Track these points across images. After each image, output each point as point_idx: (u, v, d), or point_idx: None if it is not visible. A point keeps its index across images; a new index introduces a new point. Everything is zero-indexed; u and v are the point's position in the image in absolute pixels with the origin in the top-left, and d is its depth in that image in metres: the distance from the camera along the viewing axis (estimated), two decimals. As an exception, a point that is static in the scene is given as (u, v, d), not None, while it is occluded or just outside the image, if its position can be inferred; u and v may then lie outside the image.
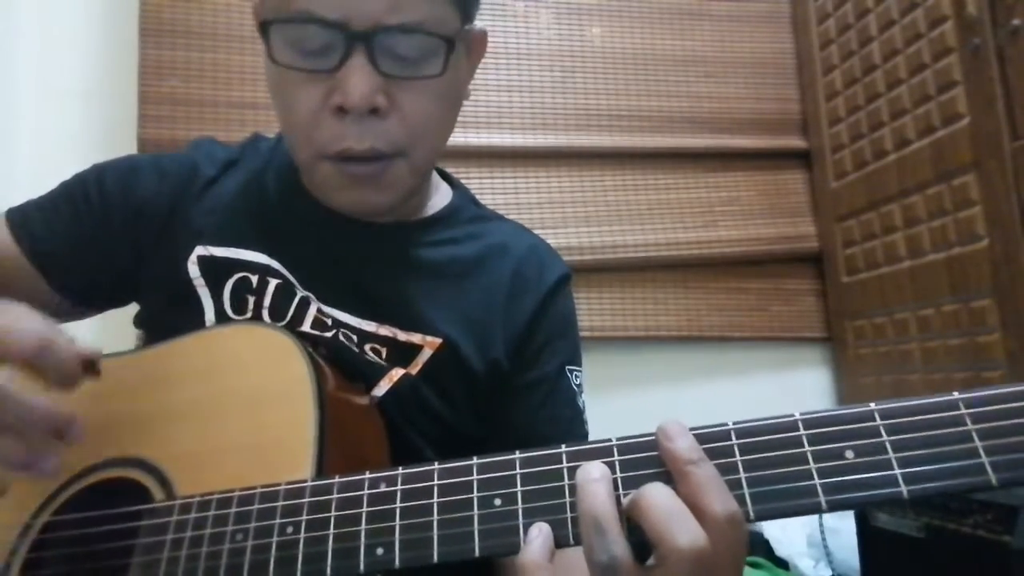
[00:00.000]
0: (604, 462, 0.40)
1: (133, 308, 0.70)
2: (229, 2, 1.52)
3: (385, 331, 0.64)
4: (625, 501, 0.38)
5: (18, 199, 0.68)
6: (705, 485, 0.37)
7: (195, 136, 0.74)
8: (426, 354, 0.64)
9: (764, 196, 1.74)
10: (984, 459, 0.35)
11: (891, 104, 1.48)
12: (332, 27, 0.53)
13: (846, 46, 1.61)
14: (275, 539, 0.43)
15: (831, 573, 1.22)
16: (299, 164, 0.62)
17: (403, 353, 0.64)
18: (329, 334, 0.63)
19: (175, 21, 1.48)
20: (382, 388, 0.62)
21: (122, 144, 1.43)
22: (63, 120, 1.49)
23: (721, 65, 1.74)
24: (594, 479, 0.39)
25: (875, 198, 1.53)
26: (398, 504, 0.42)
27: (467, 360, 0.65)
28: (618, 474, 0.39)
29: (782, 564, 1.31)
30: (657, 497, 0.37)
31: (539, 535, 0.39)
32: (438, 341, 0.64)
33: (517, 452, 0.42)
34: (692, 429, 0.40)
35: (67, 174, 0.70)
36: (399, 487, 0.43)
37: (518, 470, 0.41)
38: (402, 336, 0.64)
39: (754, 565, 1.29)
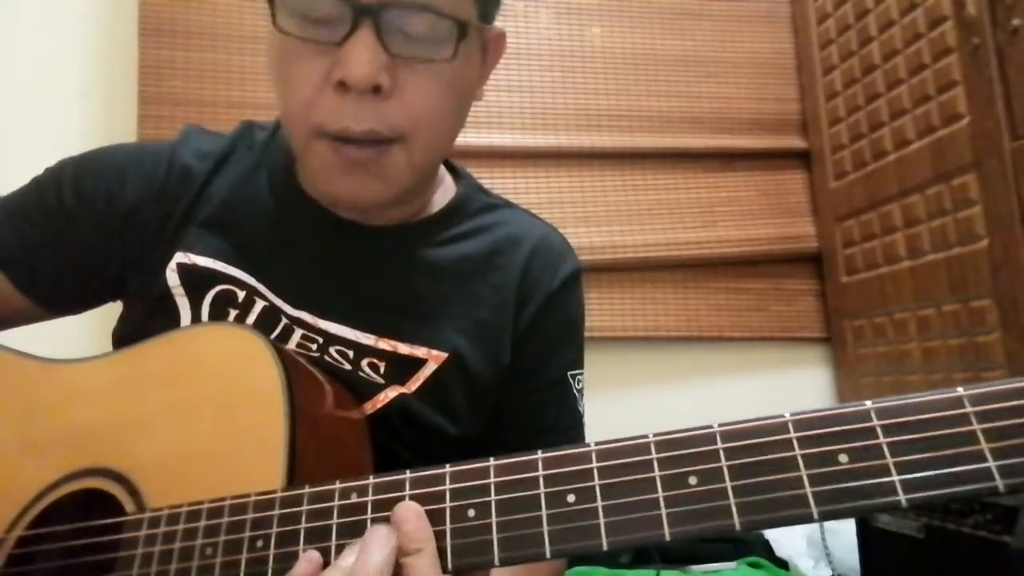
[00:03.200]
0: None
1: (117, 308, 0.68)
2: (229, 2, 1.52)
3: (384, 344, 0.61)
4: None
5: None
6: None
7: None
8: (429, 368, 0.61)
9: (764, 196, 1.74)
10: (991, 463, 0.31)
11: (891, 104, 1.48)
12: None
13: (846, 46, 1.61)
14: (244, 555, 0.42)
15: (831, 573, 1.22)
16: (295, 145, 0.58)
17: (403, 368, 0.61)
18: (315, 356, 0.61)
19: (175, 21, 1.48)
20: (364, 411, 0.60)
21: (122, 144, 1.43)
22: (63, 120, 1.49)
23: (721, 65, 1.74)
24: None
25: (875, 198, 1.53)
26: (369, 515, 0.40)
27: (475, 371, 0.63)
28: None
29: (782, 564, 1.31)
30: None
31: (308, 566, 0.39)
32: (444, 356, 0.62)
33: (491, 460, 0.39)
34: (674, 432, 0.37)
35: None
36: (370, 497, 0.40)
37: (492, 479, 0.39)
38: (403, 349, 0.61)
39: (754, 565, 1.30)
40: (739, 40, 1.76)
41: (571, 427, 0.67)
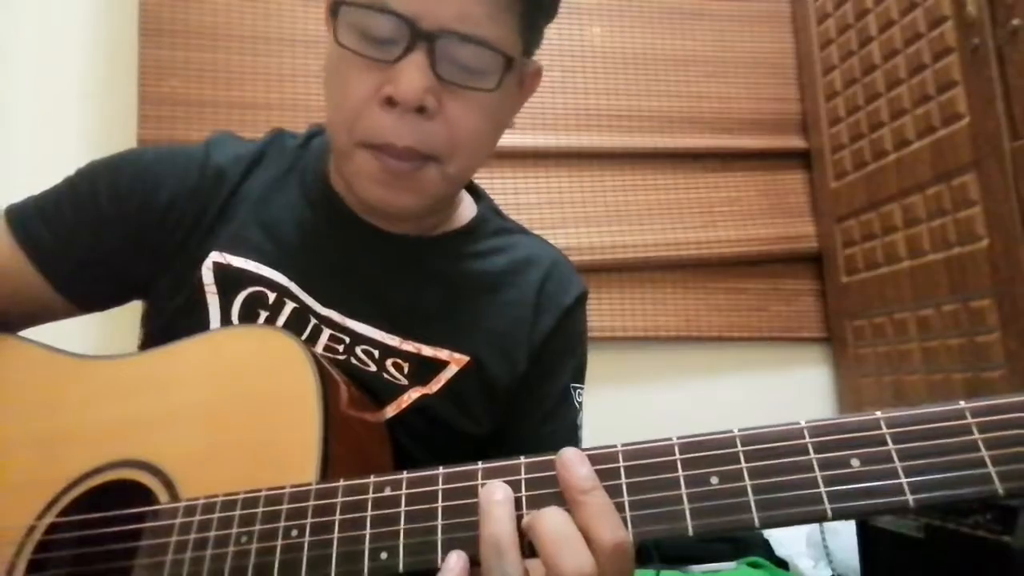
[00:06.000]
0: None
1: (137, 308, 0.69)
2: (229, 2, 1.52)
3: (409, 346, 0.64)
4: (524, 521, 0.39)
5: (18, 198, 0.67)
6: (596, 514, 0.38)
7: (195, 136, 0.73)
8: (451, 371, 0.64)
9: (764, 196, 1.74)
10: (991, 469, 0.34)
11: (891, 104, 1.48)
12: (401, 20, 0.54)
13: (846, 46, 1.61)
14: (280, 542, 0.43)
15: (831, 573, 1.22)
16: (336, 150, 0.62)
17: (426, 369, 0.64)
18: (341, 358, 0.63)
19: (175, 21, 1.48)
20: (388, 412, 0.62)
21: (122, 144, 1.40)
22: (63, 120, 1.49)
23: (721, 65, 1.74)
24: (496, 501, 0.39)
25: (875, 198, 1.53)
26: (403, 508, 0.42)
27: (493, 376, 0.65)
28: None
29: (782, 564, 1.31)
30: (550, 523, 0.38)
31: (458, 562, 0.39)
32: (465, 359, 0.64)
33: (522, 457, 0.42)
34: (696, 435, 0.39)
35: (67, 174, 0.67)
36: (404, 491, 0.42)
37: (523, 475, 0.41)
38: (427, 351, 0.64)
39: (754, 565, 1.30)
40: (739, 40, 1.77)
41: (569, 440, 0.69)
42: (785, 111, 1.77)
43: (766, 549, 1.34)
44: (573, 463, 0.39)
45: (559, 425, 0.69)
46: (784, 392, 1.68)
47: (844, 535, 1.20)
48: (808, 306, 1.73)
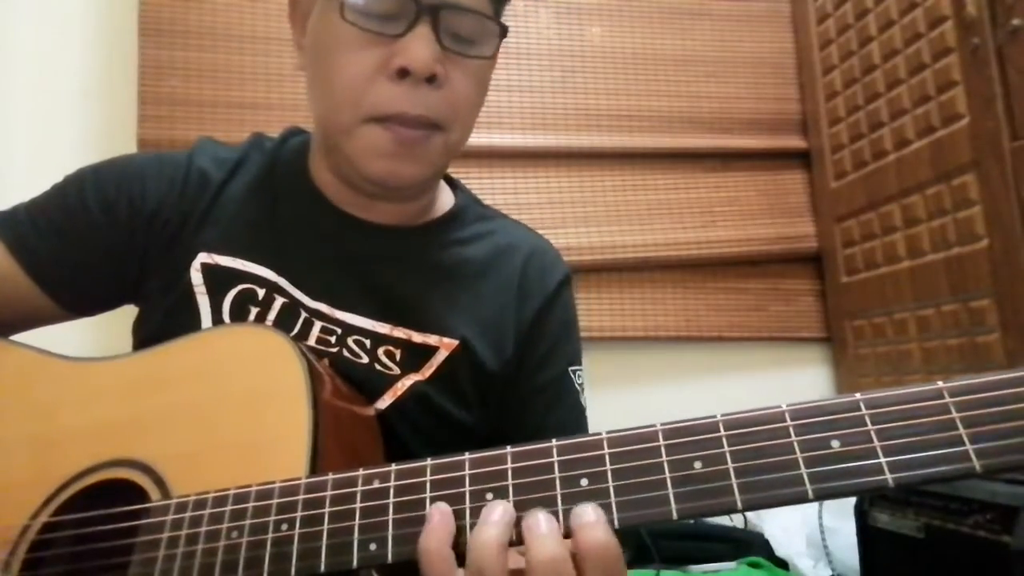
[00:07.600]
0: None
1: (131, 311, 0.70)
2: (229, 2, 1.52)
3: (400, 333, 0.65)
4: (522, 527, 0.39)
5: (16, 199, 0.68)
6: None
7: (194, 136, 0.74)
8: (441, 356, 0.65)
9: (764, 196, 1.74)
10: (968, 446, 0.35)
11: (891, 104, 1.48)
12: None
13: (846, 46, 1.61)
14: (270, 536, 0.44)
15: (831, 573, 1.22)
16: (336, 132, 0.62)
17: (417, 355, 0.65)
18: (333, 350, 0.63)
19: (175, 21, 1.48)
20: (385, 401, 0.63)
21: (122, 144, 1.43)
22: (62, 120, 1.49)
23: (721, 65, 1.74)
24: (492, 521, 0.39)
25: (875, 198, 1.53)
26: (391, 500, 0.42)
27: (482, 361, 0.66)
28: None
29: (782, 564, 1.31)
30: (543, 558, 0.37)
31: (440, 516, 0.40)
32: (454, 343, 0.65)
33: (508, 447, 0.42)
34: (680, 421, 0.40)
35: (63, 176, 0.68)
36: (392, 483, 0.43)
37: (509, 464, 0.41)
38: (417, 338, 0.65)
39: (754, 565, 1.29)
40: (739, 40, 1.77)
41: (577, 420, 0.71)
42: (785, 111, 1.77)
43: (766, 549, 1.34)
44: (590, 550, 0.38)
45: (565, 411, 0.70)
46: (784, 392, 1.68)
47: (844, 535, 1.20)
48: (808, 306, 1.73)
